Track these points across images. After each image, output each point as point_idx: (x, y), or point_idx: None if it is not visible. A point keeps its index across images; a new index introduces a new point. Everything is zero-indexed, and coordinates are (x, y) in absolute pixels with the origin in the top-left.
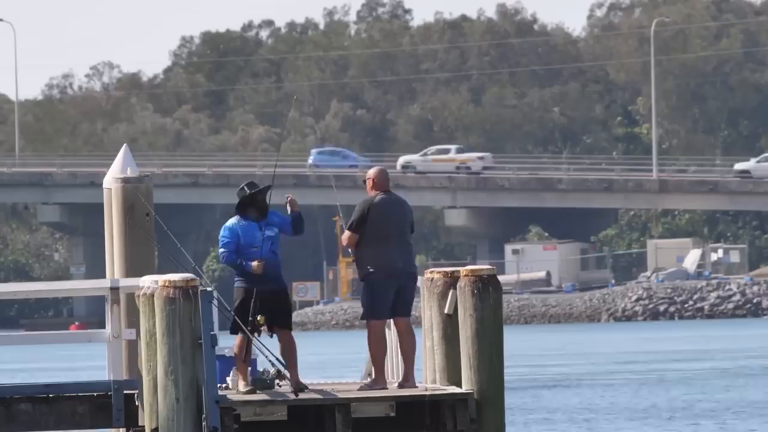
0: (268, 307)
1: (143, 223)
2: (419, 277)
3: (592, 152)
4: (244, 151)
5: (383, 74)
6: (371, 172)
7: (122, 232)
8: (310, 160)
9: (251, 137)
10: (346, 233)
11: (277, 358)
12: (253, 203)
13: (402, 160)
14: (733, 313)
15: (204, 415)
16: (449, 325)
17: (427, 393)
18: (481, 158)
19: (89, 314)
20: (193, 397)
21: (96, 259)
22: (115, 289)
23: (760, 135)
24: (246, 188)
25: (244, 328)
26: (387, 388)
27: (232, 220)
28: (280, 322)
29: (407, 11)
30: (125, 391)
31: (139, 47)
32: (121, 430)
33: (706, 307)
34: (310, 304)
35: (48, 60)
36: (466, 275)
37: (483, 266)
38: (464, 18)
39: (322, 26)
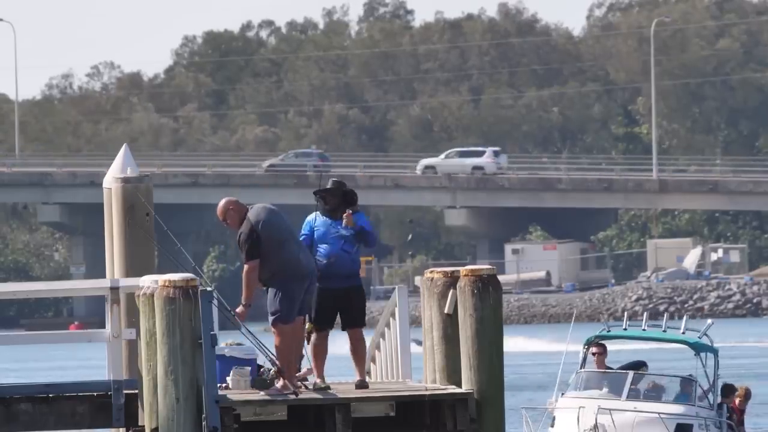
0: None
1: (143, 223)
2: (418, 277)
3: (591, 152)
4: (245, 150)
5: (383, 74)
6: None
7: (122, 232)
8: None
9: (252, 137)
10: None
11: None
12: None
13: None
14: (733, 313)
15: (204, 415)
16: (449, 324)
17: (427, 393)
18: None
19: (89, 314)
20: (193, 397)
21: (96, 259)
22: (115, 289)
23: (759, 135)
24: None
25: (241, 325)
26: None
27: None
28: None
29: (409, 12)
30: (125, 391)
31: (140, 47)
32: (121, 430)
33: (706, 307)
34: None
35: (48, 60)
36: (466, 275)
37: (483, 266)
38: (464, 17)
39: (322, 26)
